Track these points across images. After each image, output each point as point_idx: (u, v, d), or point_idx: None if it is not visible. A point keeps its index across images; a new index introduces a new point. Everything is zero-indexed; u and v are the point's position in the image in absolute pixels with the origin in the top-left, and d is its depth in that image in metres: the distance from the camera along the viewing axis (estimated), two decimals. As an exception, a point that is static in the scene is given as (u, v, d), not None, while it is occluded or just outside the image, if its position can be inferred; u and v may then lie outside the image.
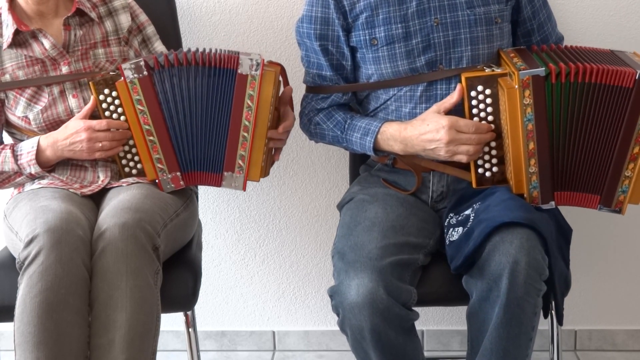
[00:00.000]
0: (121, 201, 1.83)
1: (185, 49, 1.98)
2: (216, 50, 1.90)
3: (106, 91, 1.90)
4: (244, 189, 1.92)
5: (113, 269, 1.72)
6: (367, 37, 1.89)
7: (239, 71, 1.84)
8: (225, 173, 1.92)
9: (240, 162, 1.89)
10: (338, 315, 1.74)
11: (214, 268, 2.54)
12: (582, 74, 1.72)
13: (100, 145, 1.89)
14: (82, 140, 1.88)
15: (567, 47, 1.87)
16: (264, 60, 1.85)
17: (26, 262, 1.70)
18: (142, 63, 1.86)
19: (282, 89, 1.98)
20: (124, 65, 1.86)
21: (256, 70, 1.83)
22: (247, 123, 1.87)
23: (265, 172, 1.95)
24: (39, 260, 1.69)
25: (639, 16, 2.28)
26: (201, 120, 1.89)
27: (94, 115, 1.93)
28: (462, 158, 1.80)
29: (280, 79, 1.94)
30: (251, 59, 1.84)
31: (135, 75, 1.86)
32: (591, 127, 1.75)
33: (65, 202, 1.83)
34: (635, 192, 1.77)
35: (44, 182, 1.97)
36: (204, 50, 1.89)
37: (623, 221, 2.26)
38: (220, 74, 1.87)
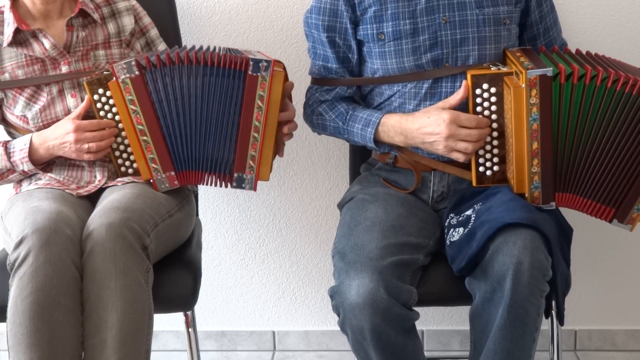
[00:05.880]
0: (111, 201, 1.82)
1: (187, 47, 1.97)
2: (216, 49, 1.88)
3: (100, 91, 1.90)
4: (255, 189, 1.92)
5: (102, 269, 1.71)
6: (375, 31, 1.89)
7: (249, 72, 1.83)
8: (235, 174, 1.90)
9: (251, 162, 1.89)
10: (338, 315, 1.73)
11: (214, 268, 2.54)
12: (613, 81, 1.69)
13: (87, 147, 1.89)
14: (70, 141, 1.89)
15: (590, 53, 1.85)
16: (274, 60, 1.84)
17: (16, 264, 1.70)
18: (133, 63, 1.85)
19: None
20: (115, 65, 1.85)
21: (266, 71, 1.83)
22: (257, 123, 1.86)
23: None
24: (29, 261, 1.68)
25: (639, 16, 2.28)
26: (200, 120, 1.88)
27: (89, 115, 1.93)
28: (459, 157, 1.80)
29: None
30: (261, 60, 1.83)
31: (127, 75, 1.85)
32: (615, 138, 1.72)
33: (56, 203, 1.82)
34: None
35: (41, 182, 1.96)
36: (207, 48, 1.88)
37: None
38: (228, 74, 1.85)
